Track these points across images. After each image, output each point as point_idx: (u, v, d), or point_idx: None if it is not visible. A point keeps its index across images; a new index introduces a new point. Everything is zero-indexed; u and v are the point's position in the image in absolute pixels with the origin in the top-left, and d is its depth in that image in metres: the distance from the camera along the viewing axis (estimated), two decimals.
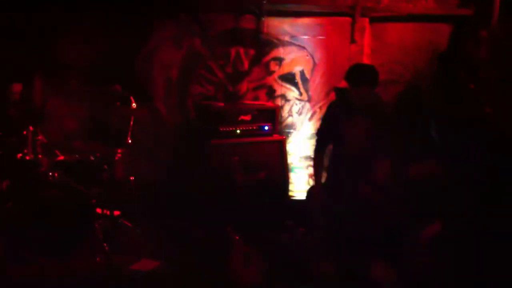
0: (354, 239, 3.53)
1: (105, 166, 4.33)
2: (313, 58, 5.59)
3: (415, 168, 3.71)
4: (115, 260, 3.84)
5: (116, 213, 4.33)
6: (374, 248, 3.54)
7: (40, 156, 4.23)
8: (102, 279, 3.63)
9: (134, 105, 4.46)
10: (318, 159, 3.97)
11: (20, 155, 4.17)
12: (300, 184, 5.62)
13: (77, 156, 4.34)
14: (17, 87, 4.55)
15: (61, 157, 4.36)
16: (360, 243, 3.55)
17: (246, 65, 5.48)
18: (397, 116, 4.08)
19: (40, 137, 4.30)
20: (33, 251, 3.78)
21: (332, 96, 5.58)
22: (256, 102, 5.44)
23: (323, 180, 4.03)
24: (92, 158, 4.31)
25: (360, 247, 3.55)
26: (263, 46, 5.47)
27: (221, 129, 4.95)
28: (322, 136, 4.01)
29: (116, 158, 4.40)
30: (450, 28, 5.52)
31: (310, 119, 5.66)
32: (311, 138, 5.63)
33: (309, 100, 5.65)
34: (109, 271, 3.74)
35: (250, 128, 5.08)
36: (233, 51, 5.43)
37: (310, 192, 4.08)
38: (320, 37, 5.54)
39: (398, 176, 3.58)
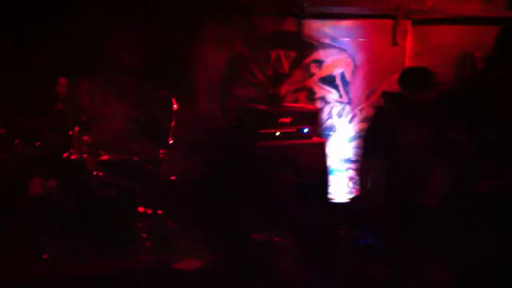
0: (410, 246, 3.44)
1: (149, 166, 4.41)
2: (354, 60, 5.56)
3: (487, 181, 3.53)
4: (159, 259, 3.89)
5: (159, 212, 4.39)
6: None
7: (85, 155, 4.33)
8: (146, 278, 3.68)
9: (175, 106, 4.52)
10: (367, 166, 3.77)
11: (66, 154, 4.28)
12: (340, 187, 5.59)
13: (121, 155, 4.43)
14: (62, 80, 4.65)
15: (105, 157, 4.46)
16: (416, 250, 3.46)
17: (286, 67, 5.49)
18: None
19: (85, 137, 4.41)
20: (81, 250, 3.88)
21: (373, 99, 5.57)
22: (296, 105, 5.45)
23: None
24: (135, 158, 4.40)
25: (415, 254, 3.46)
26: (304, 48, 5.47)
27: (261, 132, 4.97)
28: (372, 144, 3.79)
29: (159, 158, 4.46)
30: (498, 30, 5.41)
31: (350, 121, 5.63)
32: (351, 141, 5.60)
33: (349, 103, 5.62)
34: (152, 269, 3.79)
35: (290, 130, 5.08)
36: (273, 54, 5.45)
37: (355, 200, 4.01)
38: (361, 39, 5.51)
39: (459, 187, 3.44)
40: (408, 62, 5.47)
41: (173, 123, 4.54)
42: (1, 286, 3.50)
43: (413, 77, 3.55)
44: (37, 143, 4.32)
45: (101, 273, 3.69)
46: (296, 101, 5.53)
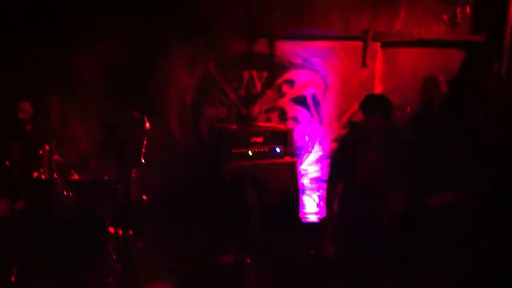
0: (365, 263, 3.55)
1: (119, 186, 4.38)
2: (325, 81, 5.64)
3: (436, 198, 3.72)
4: (127, 281, 3.87)
5: (129, 233, 4.37)
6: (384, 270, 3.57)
7: (55, 175, 4.30)
8: None
9: (147, 125, 4.52)
10: (331, 191, 3.94)
11: (36, 174, 4.24)
12: (311, 205, 5.64)
13: (91, 175, 4.41)
14: (24, 105, 4.60)
15: (76, 177, 4.43)
16: (370, 266, 3.58)
17: (259, 87, 5.55)
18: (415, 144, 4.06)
19: (55, 157, 4.38)
20: (47, 270, 3.83)
21: (344, 119, 5.66)
22: (268, 124, 5.50)
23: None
24: (106, 178, 4.38)
25: (370, 269, 3.57)
26: (276, 69, 5.54)
27: (233, 151, 5.00)
28: (336, 168, 3.97)
29: (130, 178, 4.45)
30: (463, 54, 5.57)
31: (321, 141, 5.70)
32: (322, 160, 5.67)
33: (320, 123, 5.69)
34: None
35: (262, 150, 5.12)
36: (246, 74, 5.51)
37: (322, 221, 4.10)
38: (332, 61, 5.60)
39: (412, 205, 3.60)
40: (378, 84, 5.59)
41: (144, 143, 4.54)
42: None
43: (369, 104, 3.71)
44: (7, 163, 4.28)
45: None
46: (268, 120, 5.59)
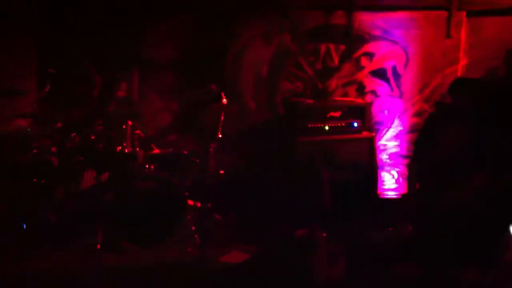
0: (446, 243, 3.43)
1: (197, 160, 4.49)
2: (406, 53, 5.45)
3: None
4: (206, 252, 3.97)
5: (207, 205, 4.47)
6: (467, 252, 3.43)
7: (137, 149, 4.47)
8: (193, 270, 3.76)
9: (224, 100, 4.57)
10: (413, 169, 3.87)
11: (119, 148, 4.42)
12: (390, 182, 5.52)
13: (171, 149, 4.54)
14: (124, 85, 4.83)
15: (156, 151, 4.59)
16: (452, 247, 3.45)
17: (336, 61, 5.45)
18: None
19: (137, 131, 4.54)
20: (129, 241, 4.01)
21: (426, 93, 5.45)
22: (346, 99, 5.40)
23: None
24: (185, 152, 4.49)
25: (452, 251, 3.45)
26: (354, 41, 5.41)
27: (309, 126, 4.96)
28: (420, 147, 3.90)
29: (208, 152, 4.54)
30: None
31: (401, 116, 5.53)
32: (402, 136, 5.51)
33: (400, 96, 5.52)
34: (199, 262, 3.87)
35: (339, 125, 5.04)
36: (323, 47, 5.42)
37: (402, 199, 4.02)
38: (414, 32, 5.39)
39: (494, 185, 3.42)
40: (462, 55, 5.32)
41: (222, 118, 4.60)
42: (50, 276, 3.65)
43: (457, 87, 3.56)
44: (92, 137, 4.48)
45: (149, 265, 3.80)
46: (345, 95, 5.49)
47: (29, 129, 4.53)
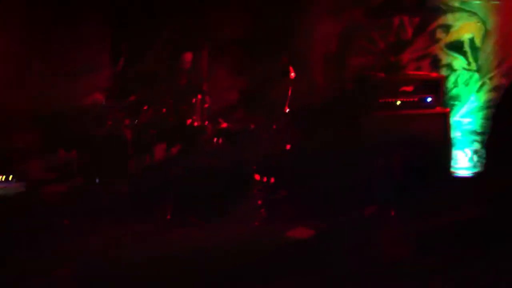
0: None
1: (264, 135, 4.51)
2: (484, 24, 5.17)
3: None
4: (272, 227, 4.00)
5: (273, 180, 4.49)
6: None
7: (206, 123, 4.55)
8: (260, 244, 3.80)
9: (292, 75, 4.54)
10: (490, 147, 3.68)
11: (189, 121, 4.51)
12: (464, 160, 5.31)
13: (238, 124, 4.58)
14: (188, 56, 4.91)
15: (224, 125, 4.64)
16: None
17: (409, 33, 5.25)
18: None
19: (206, 105, 4.62)
20: (196, 215, 4.10)
21: (505, 67, 5.17)
22: (419, 72, 5.21)
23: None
24: (252, 126, 4.52)
25: None
26: (429, 13, 5.19)
27: (380, 101, 4.83)
28: (497, 125, 3.70)
29: (274, 127, 4.55)
30: None
31: (478, 90, 5.28)
32: (478, 112, 5.27)
33: (478, 70, 5.26)
34: (266, 236, 3.91)
35: (412, 100, 4.86)
36: (396, 20, 5.24)
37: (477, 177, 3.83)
38: (494, 2, 5.10)
39: None
40: None
41: (289, 93, 4.57)
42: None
43: None
44: (163, 110, 4.60)
45: (216, 239, 3.86)
46: (419, 69, 5.29)
47: (104, 103, 4.71)
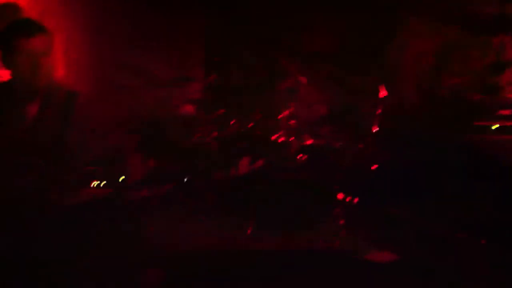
0: None
1: (350, 153, 4.44)
2: None
3: None
4: (353, 246, 3.92)
5: (356, 200, 4.40)
6: None
7: (291, 139, 4.56)
8: (337, 263, 3.74)
9: (383, 93, 4.44)
10: None
11: (274, 136, 4.54)
12: None
13: (324, 141, 4.54)
14: (303, 80, 4.93)
15: (310, 141, 4.62)
16: None
17: (510, 54, 4.97)
18: None
19: (292, 122, 4.63)
20: (277, 227, 4.11)
21: None
22: None
23: None
24: (337, 144, 4.47)
25: None
26: None
27: (475, 124, 4.60)
28: None
29: (361, 146, 4.46)
30: None
31: None
32: None
33: None
34: (344, 256, 3.84)
35: (510, 124, 4.60)
36: (496, 40, 4.98)
37: None
38: None
39: None
40: None
41: (379, 111, 4.47)
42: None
43: None
44: (250, 124, 4.67)
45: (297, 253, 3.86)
46: None
47: (194, 114, 4.86)
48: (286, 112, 4.63)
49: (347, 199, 4.33)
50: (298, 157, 4.43)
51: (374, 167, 4.45)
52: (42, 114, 2.44)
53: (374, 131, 4.45)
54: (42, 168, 2.42)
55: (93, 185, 4.11)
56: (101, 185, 4.27)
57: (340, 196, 4.29)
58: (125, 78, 4.93)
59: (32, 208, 2.39)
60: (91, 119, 2.56)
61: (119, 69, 4.94)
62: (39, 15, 4.25)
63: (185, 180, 4.43)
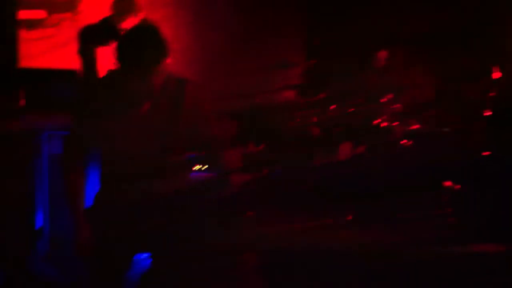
0: None
1: (459, 138, 4.20)
2: None
3: None
4: (461, 237, 3.72)
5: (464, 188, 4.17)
6: None
7: (394, 124, 4.38)
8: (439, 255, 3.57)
9: (496, 75, 4.15)
10: None
11: (376, 122, 4.40)
12: None
13: (430, 126, 4.33)
14: (382, 55, 4.79)
15: (415, 127, 4.42)
16: None
17: None
18: None
19: (397, 105, 4.45)
20: (378, 216, 3.99)
21: None
22: None
23: None
24: (445, 130, 4.24)
25: None
26: None
27: None
28: None
29: (471, 130, 4.21)
30: None
31: None
32: None
33: None
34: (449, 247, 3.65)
35: None
36: None
37: None
38: None
39: None
40: None
41: (491, 94, 4.19)
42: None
43: None
44: (351, 109, 4.55)
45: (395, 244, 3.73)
46: None
47: (294, 99, 4.83)
48: (389, 96, 4.45)
49: (455, 187, 4.12)
50: (402, 143, 4.26)
51: (485, 153, 4.18)
52: (156, 102, 2.50)
53: (485, 115, 4.17)
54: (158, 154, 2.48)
55: (197, 169, 4.23)
56: (203, 169, 4.39)
57: (447, 183, 4.08)
58: (228, 65, 5.01)
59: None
60: (198, 105, 2.59)
61: (222, 56, 5.03)
62: (150, 4, 4.42)
63: (284, 166, 4.42)
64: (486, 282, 3.24)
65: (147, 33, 2.44)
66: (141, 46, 2.34)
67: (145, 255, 2.51)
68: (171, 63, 2.81)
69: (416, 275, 3.31)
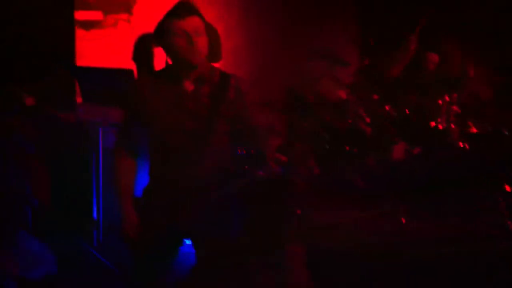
0: None
1: None
2: None
3: None
4: None
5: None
6: None
7: (452, 126, 4.23)
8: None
9: None
10: None
11: (433, 123, 4.26)
12: None
13: (489, 129, 4.16)
14: (434, 57, 4.65)
15: (473, 130, 4.26)
16: None
17: None
18: None
19: (454, 107, 4.30)
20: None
21: None
22: None
23: None
24: (505, 131, 4.06)
25: None
26: None
27: None
28: None
29: None
30: None
31: None
32: None
33: None
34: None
35: None
36: None
37: None
38: None
39: None
40: None
41: None
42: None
43: None
44: (406, 110, 4.42)
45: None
46: None
47: (347, 99, 4.74)
48: (447, 98, 4.30)
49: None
50: (460, 145, 4.11)
51: None
52: (197, 92, 2.49)
53: None
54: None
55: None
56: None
57: (507, 188, 3.91)
58: (277, 62, 4.98)
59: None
60: (242, 97, 2.56)
61: (272, 53, 5.00)
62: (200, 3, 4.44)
63: (335, 165, 4.35)
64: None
65: (179, 7, 2.44)
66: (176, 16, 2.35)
67: (190, 244, 2.49)
68: (224, 63, 2.80)
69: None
